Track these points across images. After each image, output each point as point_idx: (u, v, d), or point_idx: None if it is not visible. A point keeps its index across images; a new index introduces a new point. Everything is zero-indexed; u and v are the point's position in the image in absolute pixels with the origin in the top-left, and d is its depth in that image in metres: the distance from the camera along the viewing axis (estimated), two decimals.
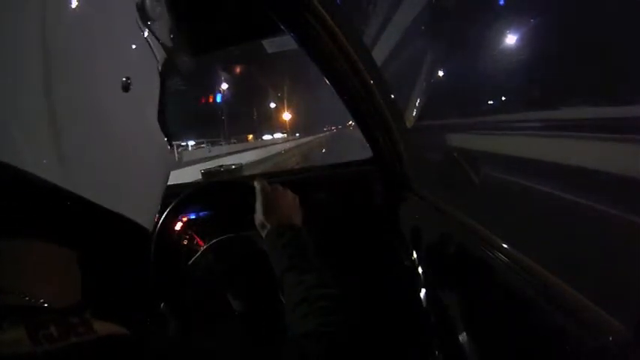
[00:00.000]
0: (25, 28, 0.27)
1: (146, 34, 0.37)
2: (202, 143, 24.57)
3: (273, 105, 49.56)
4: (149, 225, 0.39)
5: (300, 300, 0.50)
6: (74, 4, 0.30)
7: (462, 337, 0.64)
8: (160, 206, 0.42)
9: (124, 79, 0.33)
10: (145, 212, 0.38)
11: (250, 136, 41.04)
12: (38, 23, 0.27)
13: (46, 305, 0.29)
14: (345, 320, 0.48)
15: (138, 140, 0.36)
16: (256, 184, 0.72)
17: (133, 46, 0.36)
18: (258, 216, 0.67)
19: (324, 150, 22.32)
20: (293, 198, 0.71)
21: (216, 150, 21.29)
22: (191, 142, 24.73)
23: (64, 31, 0.29)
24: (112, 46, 0.33)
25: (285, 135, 48.32)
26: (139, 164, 0.36)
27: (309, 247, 0.60)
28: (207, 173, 1.70)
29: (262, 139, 39.77)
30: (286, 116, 49.53)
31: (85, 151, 0.30)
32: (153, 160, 0.39)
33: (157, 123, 0.39)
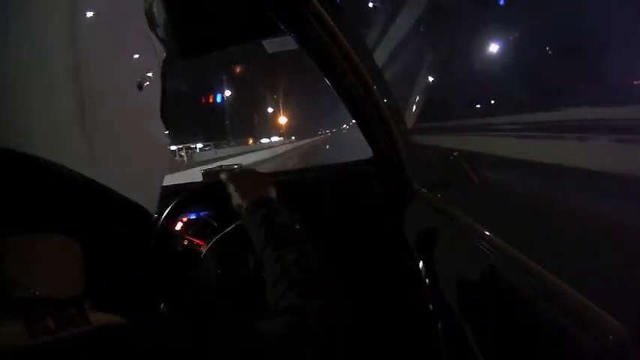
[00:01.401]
0: (56, 32, 0.30)
1: (152, 37, 0.41)
2: (207, 146, 26.93)
3: (270, 110, 51.65)
4: (153, 210, 0.42)
5: (279, 275, 0.50)
6: (99, 14, 0.33)
7: (462, 336, 0.64)
8: (159, 196, 0.45)
9: (139, 78, 0.37)
10: (150, 199, 0.41)
11: (250, 140, 42.99)
12: (68, 28, 0.30)
13: (45, 297, 0.29)
14: (323, 295, 0.48)
15: (146, 132, 0.39)
16: (221, 176, 0.72)
17: (144, 49, 0.40)
18: (235, 201, 0.67)
19: (327, 146, 26.78)
20: (260, 175, 0.72)
21: (221, 152, 23.29)
22: (199, 145, 27.20)
23: (91, 36, 0.32)
24: (129, 49, 0.37)
25: (282, 138, 50.26)
26: (145, 155, 0.39)
27: (287, 219, 0.60)
28: (207, 174, 1.70)
29: (260, 142, 41.91)
30: (282, 120, 51.51)
31: (107, 143, 0.33)
32: (156, 150, 0.42)
33: (159, 118, 0.42)
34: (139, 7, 0.40)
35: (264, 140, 45.22)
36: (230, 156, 19.69)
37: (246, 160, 17.42)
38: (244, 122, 43.26)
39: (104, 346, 0.27)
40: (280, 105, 50.66)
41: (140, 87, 0.37)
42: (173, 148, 20.75)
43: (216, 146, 27.50)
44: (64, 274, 0.32)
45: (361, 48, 0.89)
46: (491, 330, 0.58)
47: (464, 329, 0.65)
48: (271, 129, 51.71)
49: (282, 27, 0.81)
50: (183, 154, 19.06)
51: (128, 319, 0.31)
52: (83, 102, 0.31)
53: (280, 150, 29.33)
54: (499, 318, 0.56)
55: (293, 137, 55.43)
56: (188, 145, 21.90)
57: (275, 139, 48.67)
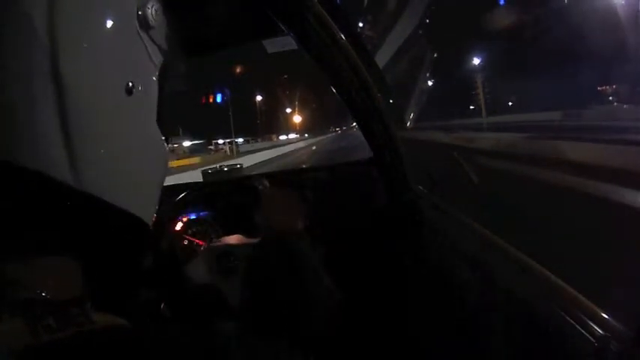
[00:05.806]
0: (34, 33, 0.29)
1: (145, 40, 0.39)
2: (242, 141, 36.74)
3: (289, 110, 58.76)
4: (149, 220, 0.40)
5: None
6: (81, 12, 0.31)
7: (462, 335, 0.65)
8: (158, 204, 0.43)
9: (128, 83, 0.35)
10: (145, 208, 0.39)
11: (274, 137, 51.39)
12: (46, 28, 0.29)
13: (47, 297, 0.29)
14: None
15: (139, 140, 0.38)
16: (260, 184, 0.73)
17: (134, 53, 0.38)
18: (259, 217, 0.67)
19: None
20: (296, 200, 0.71)
21: (255, 145, 32.23)
22: (240, 140, 37.37)
23: (72, 37, 0.31)
24: (115, 52, 0.35)
25: (298, 135, 58.01)
26: (139, 162, 0.38)
27: (308, 256, 0.60)
28: (207, 173, 1.70)
29: (279, 139, 50.06)
30: (297, 119, 58.59)
31: (91, 150, 0.32)
32: (152, 158, 0.41)
33: (155, 124, 0.41)
34: (127, 8, 0.37)
35: (282, 137, 53.14)
36: (265, 148, 25.94)
37: (275, 153, 21.29)
38: (269, 121, 51.09)
39: (106, 346, 0.27)
40: (296, 104, 57.24)
41: (129, 92, 0.35)
42: (221, 141, 31.85)
43: (249, 141, 37.86)
44: (58, 274, 0.31)
45: (361, 48, 0.89)
46: (490, 329, 0.58)
47: (462, 328, 0.65)
48: (289, 127, 59.46)
49: (282, 27, 0.81)
50: (227, 147, 26.72)
51: (130, 321, 0.31)
52: (64, 107, 0.29)
53: (298, 146, 34.24)
54: (498, 317, 0.56)
55: (306, 135, 61.16)
56: (232, 139, 30.99)
57: (292, 135, 56.56)
